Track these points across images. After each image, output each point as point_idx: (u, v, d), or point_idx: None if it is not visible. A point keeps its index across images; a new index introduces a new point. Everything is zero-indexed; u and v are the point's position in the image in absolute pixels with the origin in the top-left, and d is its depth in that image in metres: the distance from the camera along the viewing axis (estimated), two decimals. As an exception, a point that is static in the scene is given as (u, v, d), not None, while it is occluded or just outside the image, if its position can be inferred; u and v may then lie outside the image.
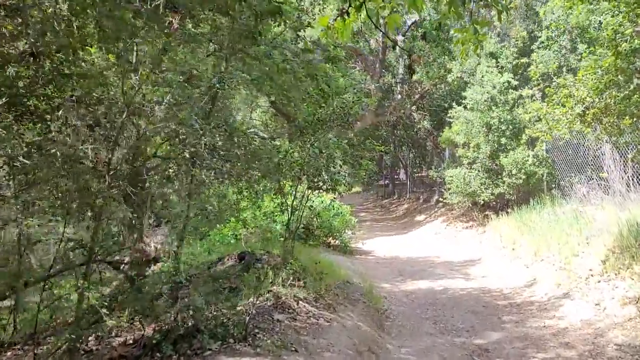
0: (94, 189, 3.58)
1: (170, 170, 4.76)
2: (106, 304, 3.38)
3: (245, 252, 6.82)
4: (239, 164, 5.55)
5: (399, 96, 17.91)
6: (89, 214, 3.79)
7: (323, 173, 6.35)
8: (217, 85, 4.90)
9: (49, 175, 3.67)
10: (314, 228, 11.26)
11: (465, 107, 13.10)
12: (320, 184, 6.62)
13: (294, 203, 6.96)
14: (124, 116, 3.81)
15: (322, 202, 11.85)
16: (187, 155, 4.21)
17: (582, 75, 6.35)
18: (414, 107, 19.79)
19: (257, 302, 4.86)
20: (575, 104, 6.41)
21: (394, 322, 6.61)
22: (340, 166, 6.81)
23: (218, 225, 11.19)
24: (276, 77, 5.55)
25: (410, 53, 4.93)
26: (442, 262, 11.33)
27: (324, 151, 6.36)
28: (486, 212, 13.91)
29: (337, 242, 12.12)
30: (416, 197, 20.79)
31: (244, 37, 4.19)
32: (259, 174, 6.00)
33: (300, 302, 5.10)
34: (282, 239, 9.85)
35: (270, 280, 5.49)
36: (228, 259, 6.95)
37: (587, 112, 6.17)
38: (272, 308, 4.81)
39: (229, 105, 7.75)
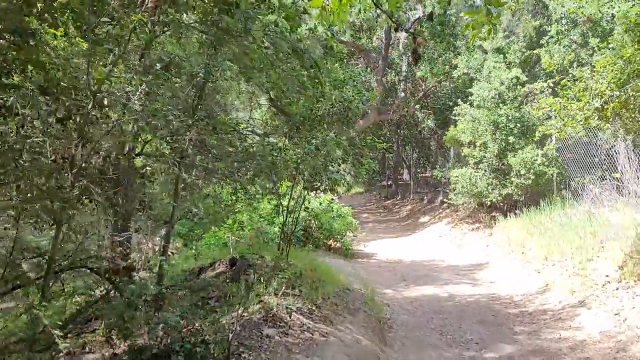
0: (52, 189, 3.11)
1: (148, 168, 4.28)
2: (61, 323, 2.91)
3: (237, 258, 6.35)
4: (231, 162, 5.09)
5: (403, 94, 17.41)
6: (50, 217, 3.32)
7: (321, 173, 5.87)
8: (202, 74, 4.43)
9: (5, 174, 3.22)
10: (313, 230, 10.78)
11: (471, 105, 12.60)
12: (317, 184, 6.14)
13: (290, 204, 6.47)
14: (89, 106, 3.34)
15: (321, 203, 11.37)
16: (167, 152, 3.73)
17: (601, 67, 5.86)
18: (417, 106, 19.29)
19: (245, 315, 4.39)
20: (592, 97, 5.92)
21: (397, 334, 6.12)
22: (339, 165, 6.33)
23: (214, 228, 10.77)
24: (266, 65, 5.08)
25: (415, 36, 4.45)
26: (447, 266, 10.83)
27: (321, 149, 5.88)
28: (493, 214, 13.41)
29: (338, 244, 11.63)
30: (420, 198, 20.29)
31: (220, 9, 3.72)
32: (251, 174, 5.53)
33: (293, 314, 4.62)
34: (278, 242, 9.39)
35: (261, 289, 5.02)
36: (219, 265, 6.49)
37: (607, 106, 5.68)
38: (262, 321, 4.34)
39: (220, 100, 7.29)
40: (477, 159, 12.76)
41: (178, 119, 4.17)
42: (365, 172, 7.82)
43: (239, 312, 4.01)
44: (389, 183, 24.99)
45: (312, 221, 10.66)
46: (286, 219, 6.50)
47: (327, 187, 6.36)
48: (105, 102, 3.31)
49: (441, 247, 13.10)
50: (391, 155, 24.52)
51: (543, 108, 7.31)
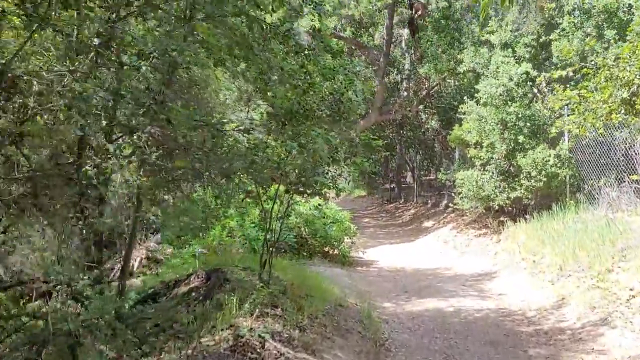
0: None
1: (93, 169, 3.57)
2: None
3: (212, 270, 5.62)
4: (195, 160, 4.35)
5: (405, 93, 16.67)
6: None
7: (307, 174, 5.11)
8: (159, 54, 3.71)
9: None
10: (308, 237, 10.03)
11: (477, 102, 11.83)
12: (303, 188, 5.39)
13: (275, 209, 5.72)
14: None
15: (316, 207, 10.63)
16: (101, 143, 3.01)
17: (628, 53, 5.11)
18: (421, 107, 18.54)
19: (211, 343, 3.65)
20: (618, 88, 5.17)
21: (396, 358, 5.36)
22: (328, 165, 5.57)
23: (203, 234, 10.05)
24: (243, 50, 4.36)
25: (413, 2, 3.70)
26: (452, 275, 10.06)
27: (306, 147, 5.13)
28: (501, 218, 12.61)
29: (335, 252, 10.87)
30: (424, 202, 19.51)
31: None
32: (225, 174, 4.80)
33: (269, 340, 3.87)
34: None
35: (234, 311, 4.28)
36: (195, 278, 5.75)
37: (636, 98, 4.93)
38: (229, 352, 3.59)
39: (201, 94, 6.59)
40: (484, 161, 11.99)
41: (130, 108, 3.45)
42: (358, 173, 7.06)
43: (197, 342, 3.27)
44: (391, 186, 24.21)
45: (305, 228, 9.91)
46: (269, 226, 5.75)
47: (315, 191, 5.61)
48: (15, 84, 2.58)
49: (446, 254, 12.32)
50: (394, 157, 23.76)
51: (561, 100, 6.52)
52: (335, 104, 5.56)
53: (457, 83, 17.03)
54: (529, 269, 9.31)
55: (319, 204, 10.59)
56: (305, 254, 9.99)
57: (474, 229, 13.36)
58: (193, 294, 5.22)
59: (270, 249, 5.62)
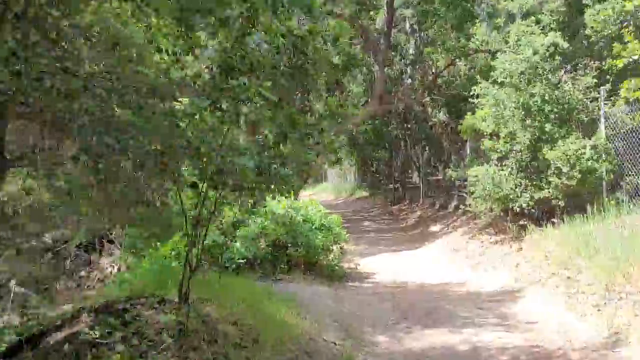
0: None
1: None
2: None
3: (109, 305, 3.76)
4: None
5: (409, 80, 14.76)
6: None
7: (231, 161, 3.17)
8: None
9: None
10: (289, 246, 8.15)
11: (494, 83, 9.89)
12: (227, 180, 3.47)
13: (197, 212, 3.80)
14: None
15: (296, 209, 8.76)
16: None
17: None
18: (427, 98, 16.61)
19: None
20: None
21: None
22: (274, 148, 3.65)
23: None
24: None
25: None
26: (465, 293, 8.14)
27: (245, 117, 3.27)
28: (521, 222, 10.65)
29: (324, 263, 8.96)
30: (431, 203, 17.56)
31: None
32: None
33: None
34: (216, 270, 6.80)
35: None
36: (84, 317, 3.88)
37: None
38: None
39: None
40: (502, 154, 10.05)
41: None
42: (337, 155, 5.17)
43: None
44: (396, 186, 22.27)
45: (282, 235, 8.03)
46: (193, 237, 3.84)
47: (252, 187, 3.69)
48: None
49: (456, 265, 10.38)
50: (398, 154, 21.83)
51: (632, 52, 4.59)
52: (294, 54, 3.68)
53: (468, 67, 15.08)
54: (562, 287, 7.36)
55: (300, 206, 8.74)
56: (283, 267, 8.11)
57: (489, 234, 11.40)
58: (66, 346, 3.37)
59: (192, 271, 3.72)
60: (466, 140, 14.68)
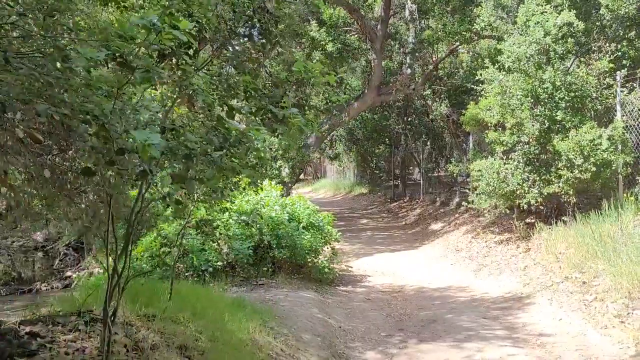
0: None
1: None
2: None
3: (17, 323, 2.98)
4: None
5: (409, 70, 13.91)
6: None
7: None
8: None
9: None
10: (274, 247, 7.35)
11: (500, 69, 9.07)
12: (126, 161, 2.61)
13: (133, 208, 2.99)
14: None
15: (281, 205, 7.98)
16: None
17: None
18: (428, 91, 15.77)
19: None
20: None
21: None
22: (219, 126, 2.79)
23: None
24: None
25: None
26: (468, 299, 7.33)
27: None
28: (528, 220, 9.87)
29: (315, 264, 8.15)
30: (431, 200, 16.74)
31: None
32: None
33: None
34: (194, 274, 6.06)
35: None
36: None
37: None
38: None
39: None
40: (508, 146, 9.24)
41: None
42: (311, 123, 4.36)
43: None
44: (396, 183, 21.45)
45: (267, 234, 7.23)
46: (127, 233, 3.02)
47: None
48: None
49: (459, 267, 9.58)
50: (398, 150, 20.99)
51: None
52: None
53: (471, 55, 14.26)
54: (577, 293, 6.56)
55: (286, 203, 7.95)
56: (266, 270, 7.32)
57: (494, 233, 10.61)
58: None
59: (118, 284, 2.91)
60: (469, 133, 13.87)
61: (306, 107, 17.84)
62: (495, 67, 9.12)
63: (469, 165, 10.60)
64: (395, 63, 15.63)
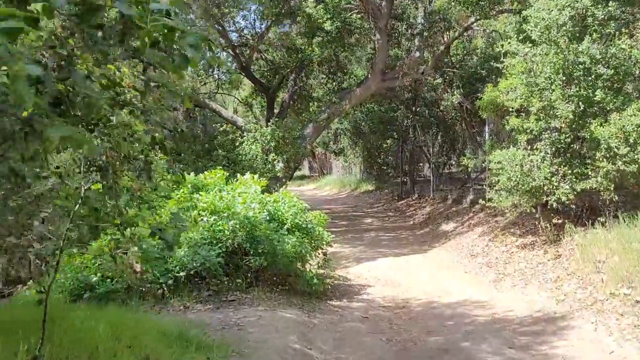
0: None
1: None
2: None
3: None
4: None
5: (417, 53, 12.49)
6: None
7: None
8: None
9: None
10: (250, 252, 6.03)
11: (526, 41, 7.65)
12: None
13: None
14: None
15: (261, 201, 6.65)
16: None
17: None
18: (439, 80, 14.35)
19: None
20: None
21: None
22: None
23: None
24: None
25: None
26: (489, 319, 5.96)
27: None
28: (555, 221, 8.46)
29: (302, 273, 6.79)
30: (442, 197, 15.33)
31: None
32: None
33: None
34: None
35: None
36: None
37: None
38: None
39: None
40: (533, 134, 7.87)
41: None
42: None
43: None
44: (404, 179, 20.03)
45: (239, 238, 5.92)
46: None
47: None
48: None
49: (475, 276, 8.20)
50: (406, 143, 19.56)
51: None
52: None
53: (486, 38, 12.83)
54: (629, 315, 5.18)
55: (267, 200, 6.63)
56: (240, 282, 6.00)
57: (515, 235, 9.21)
58: None
59: None
60: (484, 123, 12.45)
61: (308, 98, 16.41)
62: (520, 38, 7.72)
63: (485, 157, 9.20)
64: (403, 48, 14.19)
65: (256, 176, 7.49)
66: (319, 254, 7.21)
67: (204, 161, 10.91)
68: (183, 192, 6.71)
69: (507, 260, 8.34)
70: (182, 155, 10.83)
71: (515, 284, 7.25)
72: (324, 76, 15.84)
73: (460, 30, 12.49)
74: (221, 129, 13.49)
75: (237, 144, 11.60)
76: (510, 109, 8.39)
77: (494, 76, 13.18)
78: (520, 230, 9.45)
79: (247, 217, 6.19)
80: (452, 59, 14.77)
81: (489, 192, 8.71)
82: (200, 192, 6.66)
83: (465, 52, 15.31)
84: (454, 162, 16.68)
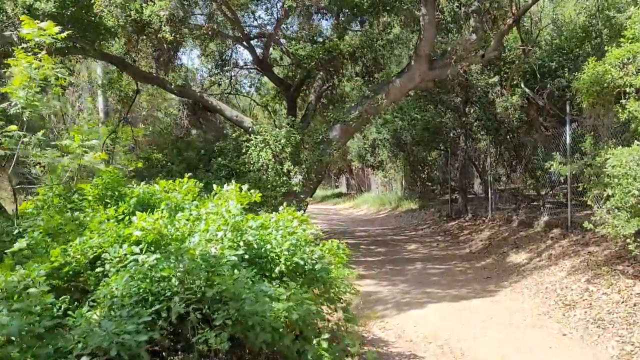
0: None
1: None
2: None
3: None
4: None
5: (474, 35, 9.82)
6: None
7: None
8: None
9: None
10: (198, 317, 3.48)
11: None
12: None
13: None
14: None
15: (261, 229, 4.12)
16: None
17: None
18: (495, 78, 11.63)
19: None
20: None
21: None
22: None
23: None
24: None
25: None
26: None
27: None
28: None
29: (310, 348, 4.17)
30: (504, 218, 12.40)
31: None
32: None
33: None
34: None
35: None
36: None
37: None
38: None
39: None
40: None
41: None
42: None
43: None
44: (454, 196, 17.16)
45: (193, 292, 3.38)
46: None
47: None
48: None
49: (580, 341, 5.32)
50: (455, 154, 16.73)
51: None
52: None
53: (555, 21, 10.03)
54: None
55: (248, 226, 4.11)
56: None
57: (628, 275, 6.30)
58: None
59: None
60: (564, 123, 9.56)
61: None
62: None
63: (591, 159, 6.32)
64: (454, 32, 11.49)
65: (245, 187, 4.93)
66: (336, 307, 4.59)
67: (199, 172, 8.54)
68: (119, 211, 4.27)
69: (630, 316, 5.44)
70: (172, 165, 8.48)
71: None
72: (356, 74, 13.30)
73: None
74: (234, 135, 11.18)
75: (243, 150, 9.17)
76: (627, 90, 5.61)
77: (566, 69, 10.43)
78: (633, 269, 6.53)
79: (209, 255, 3.66)
80: (510, 53, 11.99)
81: (597, 211, 5.86)
82: (145, 213, 4.20)
83: (530, 41, 12.47)
84: (518, 174, 13.70)
